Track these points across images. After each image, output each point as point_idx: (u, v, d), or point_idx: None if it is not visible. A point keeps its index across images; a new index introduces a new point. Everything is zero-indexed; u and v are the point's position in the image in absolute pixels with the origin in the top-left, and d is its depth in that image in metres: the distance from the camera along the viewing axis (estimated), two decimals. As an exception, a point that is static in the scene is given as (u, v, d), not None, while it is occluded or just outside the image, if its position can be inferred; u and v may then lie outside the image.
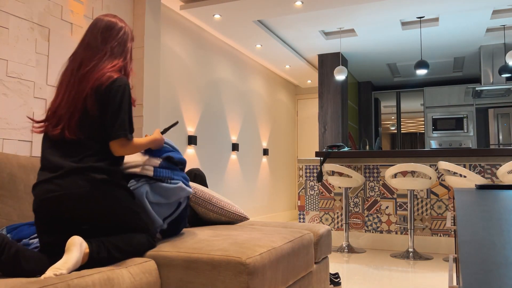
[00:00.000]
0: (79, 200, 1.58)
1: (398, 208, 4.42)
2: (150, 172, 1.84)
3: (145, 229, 1.75)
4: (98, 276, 1.38)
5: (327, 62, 6.30)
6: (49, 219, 1.61)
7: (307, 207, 4.79)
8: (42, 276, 1.33)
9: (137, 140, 1.76)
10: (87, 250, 1.50)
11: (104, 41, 1.81)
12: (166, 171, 1.88)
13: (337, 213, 4.66)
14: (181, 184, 1.88)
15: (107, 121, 1.69)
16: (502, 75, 5.44)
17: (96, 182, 1.60)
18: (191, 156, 4.82)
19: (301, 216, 4.81)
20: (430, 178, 3.95)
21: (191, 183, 2.42)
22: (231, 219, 2.47)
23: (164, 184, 1.84)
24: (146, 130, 3.60)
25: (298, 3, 4.34)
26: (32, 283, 1.19)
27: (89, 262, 1.50)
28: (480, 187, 1.75)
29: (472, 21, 5.04)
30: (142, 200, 1.80)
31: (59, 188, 1.57)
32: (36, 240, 1.77)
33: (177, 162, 1.94)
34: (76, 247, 1.44)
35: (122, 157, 1.78)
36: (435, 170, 4.30)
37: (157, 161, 1.88)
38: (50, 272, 1.34)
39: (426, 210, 4.30)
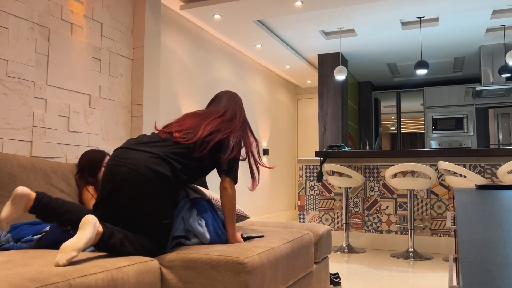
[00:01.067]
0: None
1: (398, 208, 4.42)
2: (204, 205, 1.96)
3: (161, 238, 1.74)
4: (101, 276, 1.38)
5: (327, 62, 6.29)
6: None
7: (307, 207, 4.79)
8: (56, 260, 1.38)
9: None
10: (100, 230, 1.52)
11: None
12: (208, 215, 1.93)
13: (337, 213, 4.66)
14: (206, 233, 1.85)
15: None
16: (502, 75, 5.44)
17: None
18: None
19: (301, 216, 4.81)
20: (430, 178, 3.95)
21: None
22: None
23: (198, 220, 1.88)
24: (146, 130, 3.60)
25: (298, 3, 4.34)
26: (33, 281, 1.19)
27: (99, 244, 1.52)
28: (480, 187, 1.75)
29: (472, 21, 5.04)
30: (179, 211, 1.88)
31: None
32: (39, 236, 1.78)
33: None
34: (90, 225, 1.46)
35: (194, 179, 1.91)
36: (435, 170, 4.29)
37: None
38: (61, 256, 1.37)
39: (426, 210, 4.30)
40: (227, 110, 2.03)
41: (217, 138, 1.87)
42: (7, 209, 1.63)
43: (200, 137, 1.84)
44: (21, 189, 1.63)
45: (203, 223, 1.85)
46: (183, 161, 1.79)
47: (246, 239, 1.98)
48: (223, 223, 1.94)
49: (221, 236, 1.86)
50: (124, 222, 1.73)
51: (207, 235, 1.82)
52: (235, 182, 1.89)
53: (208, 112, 2.00)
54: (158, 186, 1.67)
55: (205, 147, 1.83)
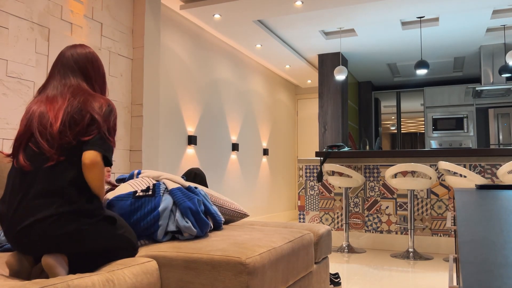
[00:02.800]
0: None
1: (398, 208, 4.42)
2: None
3: (129, 244, 1.68)
4: (98, 278, 1.38)
5: (327, 62, 6.29)
6: None
7: (307, 207, 4.79)
8: None
9: None
10: (66, 261, 1.44)
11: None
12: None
13: (337, 213, 4.66)
14: (191, 227, 1.82)
15: None
16: (502, 75, 5.44)
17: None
18: (191, 156, 4.82)
19: (301, 216, 4.81)
20: (430, 178, 3.95)
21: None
22: (231, 216, 2.47)
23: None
24: (146, 130, 3.60)
25: (298, 3, 4.34)
26: (33, 283, 1.19)
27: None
28: (480, 187, 1.75)
29: (472, 21, 5.04)
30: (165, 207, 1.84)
31: None
32: None
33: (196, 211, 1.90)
34: (61, 266, 1.38)
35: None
36: (435, 170, 4.30)
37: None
38: None
39: (426, 210, 4.30)
40: None
41: None
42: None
43: None
44: None
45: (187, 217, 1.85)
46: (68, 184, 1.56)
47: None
48: (206, 211, 1.95)
49: (203, 226, 1.85)
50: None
51: (194, 229, 1.81)
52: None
53: None
54: (80, 239, 1.51)
55: None
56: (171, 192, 1.90)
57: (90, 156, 1.48)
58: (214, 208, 2.09)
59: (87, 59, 1.72)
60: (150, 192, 1.88)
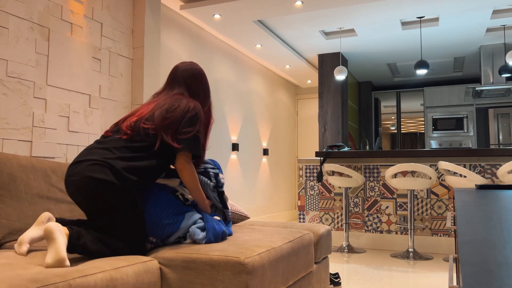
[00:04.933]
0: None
1: (398, 208, 4.42)
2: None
3: (132, 239, 1.72)
4: (100, 276, 1.38)
5: (327, 62, 6.29)
6: None
7: (307, 207, 4.79)
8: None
9: None
10: (67, 232, 1.52)
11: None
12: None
13: (337, 213, 4.66)
14: (203, 239, 1.83)
15: None
16: (502, 75, 5.44)
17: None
18: (191, 156, 4.83)
19: (301, 216, 4.81)
20: (430, 178, 3.95)
21: None
22: (233, 218, 2.47)
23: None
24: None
25: (298, 3, 4.34)
26: (33, 282, 1.19)
27: (68, 247, 1.51)
28: (480, 187, 1.75)
29: (472, 21, 5.04)
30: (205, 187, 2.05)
31: None
32: None
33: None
34: (57, 232, 1.46)
35: None
36: (435, 170, 4.29)
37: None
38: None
39: (426, 210, 4.30)
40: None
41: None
42: (30, 232, 1.59)
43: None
44: (46, 215, 1.62)
45: (202, 225, 1.87)
46: (130, 156, 1.75)
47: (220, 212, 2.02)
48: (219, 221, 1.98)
49: (218, 236, 1.87)
50: (96, 228, 1.73)
51: (198, 236, 1.82)
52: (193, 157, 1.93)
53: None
54: (103, 193, 1.64)
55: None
56: (203, 215, 1.97)
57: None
58: (230, 229, 2.12)
59: (192, 74, 2.09)
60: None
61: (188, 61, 2.16)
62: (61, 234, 1.46)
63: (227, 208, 2.16)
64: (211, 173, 2.12)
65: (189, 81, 2.05)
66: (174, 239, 1.82)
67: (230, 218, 2.18)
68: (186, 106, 1.89)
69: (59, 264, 1.39)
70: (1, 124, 2.58)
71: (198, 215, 1.90)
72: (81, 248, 1.54)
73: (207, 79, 2.12)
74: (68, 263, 1.41)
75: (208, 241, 1.81)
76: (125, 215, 1.69)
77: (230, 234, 2.04)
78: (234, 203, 2.53)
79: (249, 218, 2.57)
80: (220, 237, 1.86)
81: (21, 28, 2.71)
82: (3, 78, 2.59)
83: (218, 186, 2.13)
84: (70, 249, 1.52)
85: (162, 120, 1.83)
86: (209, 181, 2.11)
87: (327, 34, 5.54)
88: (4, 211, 1.95)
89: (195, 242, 1.82)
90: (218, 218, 2.00)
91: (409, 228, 4.03)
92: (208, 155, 5.15)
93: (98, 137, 3.26)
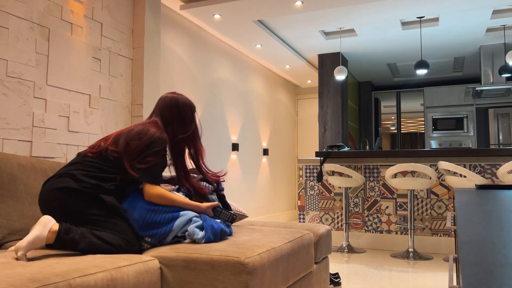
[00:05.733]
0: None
1: (398, 208, 4.42)
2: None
3: (120, 237, 1.76)
4: (101, 276, 1.38)
5: (327, 62, 6.29)
6: None
7: (307, 207, 4.79)
8: (9, 250, 1.57)
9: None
10: (55, 228, 1.57)
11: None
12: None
13: (337, 213, 4.66)
14: (202, 239, 1.84)
15: None
16: (502, 75, 5.44)
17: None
18: (191, 156, 4.82)
19: (301, 216, 4.81)
20: (430, 178, 3.95)
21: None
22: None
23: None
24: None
25: (298, 3, 4.34)
26: (33, 281, 1.19)
27: (57, 241, 1.56)
28: (480, 187, 1.75)
29: (472, 21, 5.04)
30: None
31: None
32: None
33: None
34: (40, 225, 1.54)
35: None
36: (435, 170, 4.29)
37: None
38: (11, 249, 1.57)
39: (426, 210, 4.30)
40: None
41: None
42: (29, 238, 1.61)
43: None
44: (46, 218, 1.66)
45: (200, 224, 1.87)
46: (91, 170, 1.85)
47: (220, 212, 2.01)
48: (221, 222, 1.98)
49: (217, 234, 1.88)
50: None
51: (198, 236, 1.82)
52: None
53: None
54: (67, 198, 1.74)
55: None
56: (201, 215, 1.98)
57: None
58: (230, 229, 2.13)
59: (168, 104, 2.12)
60: None
61: (177, 92, 2.19)
62: (39, 228, 1.53)
63: (231, 209, 2.18)
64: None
65: (164, 111, 2.08)
66: (172, 238, 1.83)
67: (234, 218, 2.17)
68: (152, 136, 1.92)
69: (16, 249, 1.47)
70: (1, 124, 2.58)
71: (193, 213, 1.91)
72: (70, 243, 1.58)
73: (187, 108, 2.12)
74: (21, 253, 1.46)
75: (208, 240, 1.81)
76: (98, 215, 1.76)
77: (231, 234, 2.04)
78: (231, 202, 2.53)
79: (247, 216, 2.57)
80: (219, 235, 1.87)
81: (21, 28, 2.71)
82: (3, 78, 2.59)
83: (219, 189, 2.16)
84: (59, 244, 1.57)
85: (125, 146, 1.89)
86: (209, 185, 2.14)
87: (327, 34, 5.54)
88: (4, 211, 1.95)
89: (194, 241, 1.82)
90: (218, 221, 2.00)
91: (409, 228, 4.03)
92: (208, 155, 5.15)
93: (98, 137, 3.26)
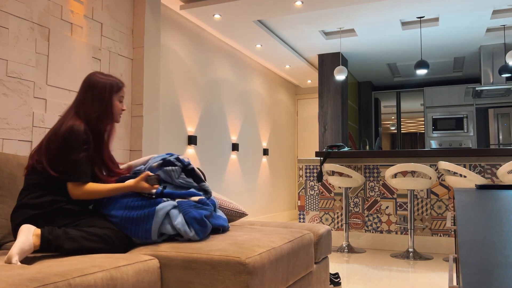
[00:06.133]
0: None
1: (398, 208, 4.42)
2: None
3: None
4: (100, 275, 1.38)
5: (327, 62, 6.29)
6: None
7: (307, 207, 4.79)
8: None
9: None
10: (38, 232, 1.57)
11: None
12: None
13: (337, 213, 4.66)
14: (188, 232, 1.81)
15: None
16: (502, 75, 5.44)
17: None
18: (191, 156, 4.82)
19: (301, 216, 4.81)
20: (430, 178, 3.95)
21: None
22: (230, 216, 2.47)
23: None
24: (146, 130, 3.60)
25: (298, 3, 4.34)
26: (33, 281, 1.19)
27: (44, 243, 1.56)
28: (480, 187, 1.75)
29: (472, 21, 5.04)
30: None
31: None
32: None
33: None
34: (23, 232, 1.54)
35: None
36: (435, 170, 4.29)
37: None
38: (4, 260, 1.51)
39: (426, 210, 4.30)
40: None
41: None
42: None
43: None
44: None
45: (183, 220, 1.84)
46: (31, 194, 1.82)
47: (150, 179, 1.90)
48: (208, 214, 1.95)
49: (206, 231, 1.86)
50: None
51: (190, 234, 1.81)
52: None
53: None
54: (36, 223, 1.74)
55: None
56: (179, 203, 1.91)
57: None
58: (222, 216, 2.09)
59: (82, 84, 1.98)
60: (154, 197, 1.93)
61: (99, 72, 2.04)
62: (23, 235, 1.52)
63: (203, 181, 2.09)
64: (171, 159, 2.03)
65: (79, 92, 1.96)
66: (157, 237, 1.82)
67: (211, 192, 2.13)
68: (65, 131, 1.81)
69: (7, 260, 1.45)
70: (1, 124, 2.58)
71: (169, 205, 1.86)
72: (55, 241, 1.59)
73: (100, 85, 1.94)
74: (15, 259, 1.45)
75: (199, 234, 1.81)
76: (76, 219, 1.77)
77: (223, 226, 2.03)
78: (230, 200, 2.53)
79: (247, 214, 2.57)
80: (206, 225, 1.85)
81: (21, 28, 2.71)
82: (3, 78, 2.59)
83: (184, 165, 2.06)
84: (46, 244, 1.57)
85: (46, 153, 1.81)
86: (174, 168, 2.01)
87: (327, 34, 5.54)
88: (4, 211, 1.95)
89: (190, 240, 1.82)
90: (196, 198, 1.97)
91: (409, 228, 4.03)
92: (208, 155, 5.15)
93: (98, 137, 3.25)
